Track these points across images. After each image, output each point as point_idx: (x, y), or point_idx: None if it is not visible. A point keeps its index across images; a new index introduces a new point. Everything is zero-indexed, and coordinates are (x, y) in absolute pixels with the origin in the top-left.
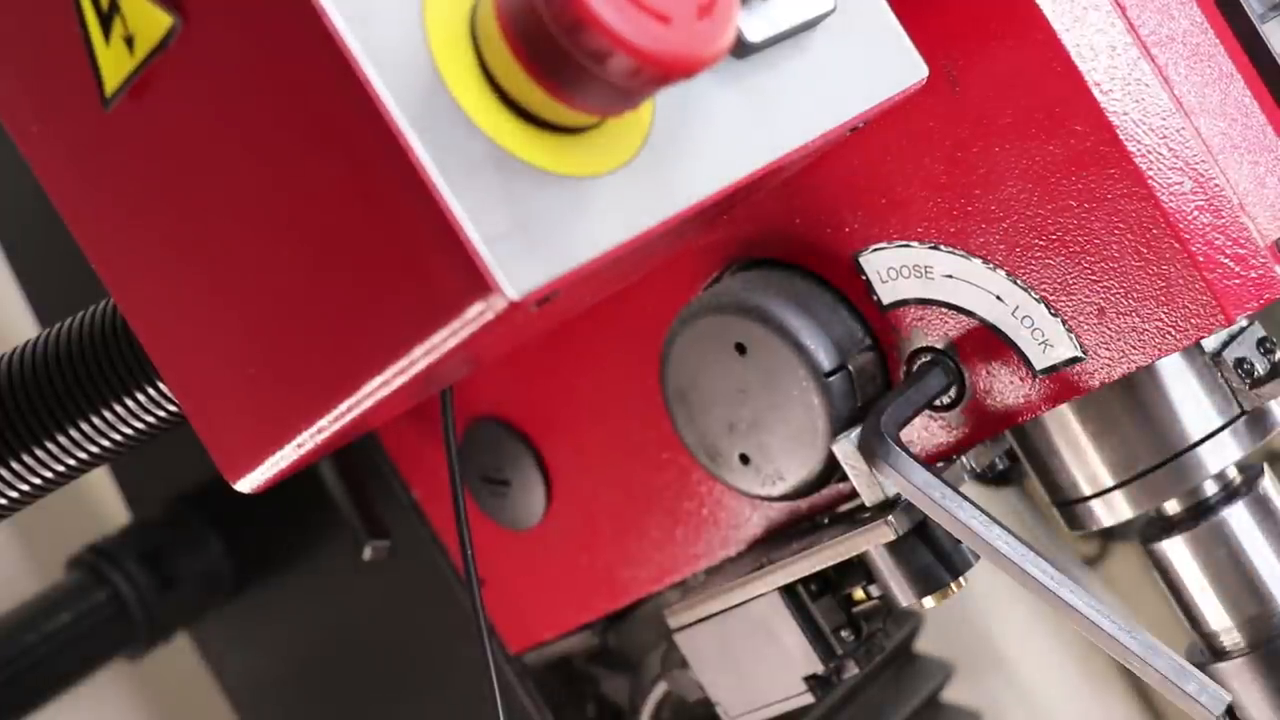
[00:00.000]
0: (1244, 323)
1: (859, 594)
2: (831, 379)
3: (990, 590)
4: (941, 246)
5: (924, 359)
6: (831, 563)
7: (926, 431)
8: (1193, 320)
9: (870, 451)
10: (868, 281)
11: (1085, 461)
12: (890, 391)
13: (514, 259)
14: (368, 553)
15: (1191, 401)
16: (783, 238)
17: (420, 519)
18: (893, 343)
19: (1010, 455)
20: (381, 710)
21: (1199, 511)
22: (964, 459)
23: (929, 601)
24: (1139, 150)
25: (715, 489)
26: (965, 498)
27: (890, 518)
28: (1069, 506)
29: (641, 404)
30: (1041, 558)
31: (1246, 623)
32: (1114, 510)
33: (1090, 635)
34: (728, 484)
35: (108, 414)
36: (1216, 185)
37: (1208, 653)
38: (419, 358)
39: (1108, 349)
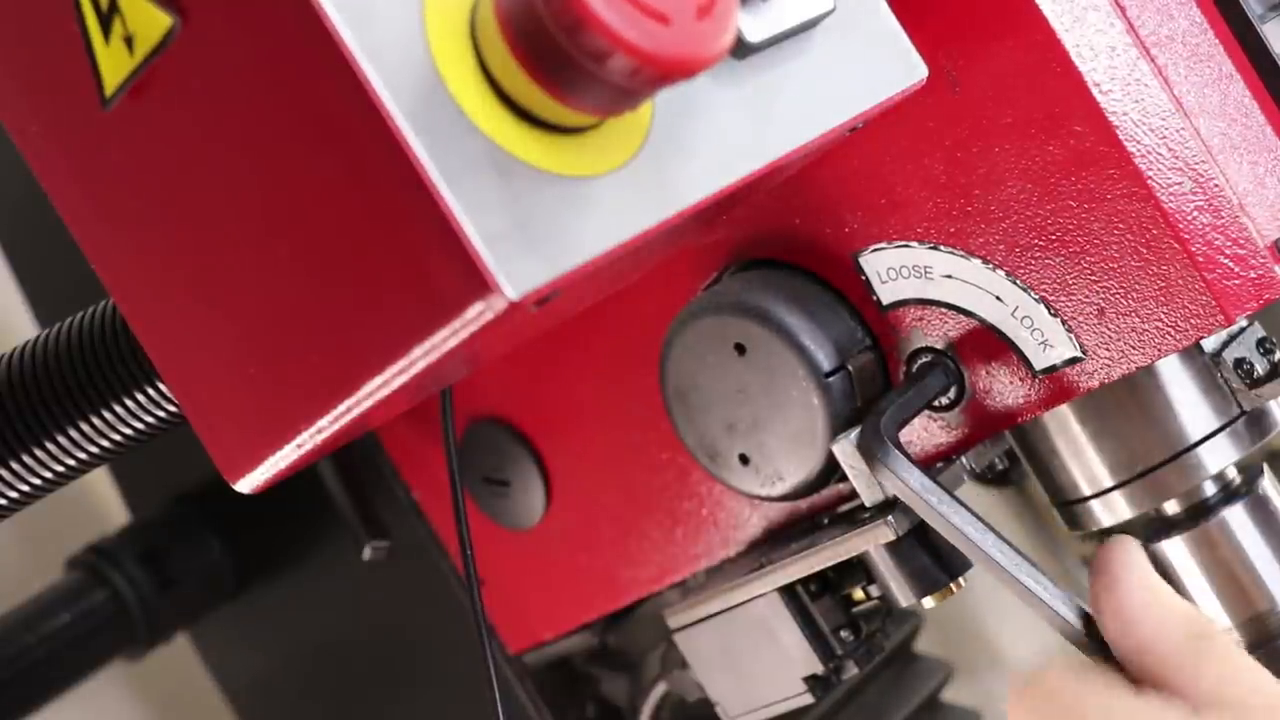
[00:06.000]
0: (1244, 323)
1: (859, 594)
2: (831, 379)
3: (990, 590)
4: (941, 246)
5: (923, 359)
6: (831, 563)
7: (926, 432)
8: (1192, 320)
9: (869, 453)
10: (867, 281)
11: (1085, 461)
12: (890, 392)
13: (514, 259)
14: (368, 553)
15: (1191, 402)
16: (783, 238)
17: (420, 519)
18: (892, 343)
19: (1010, 455)
20: (381, 710)
21: (1199, 512)
22: (964, 459)
23: (929, 601)
24: (1139, 150)
25: (715, 489)
26: (961, 502)
27: (890, 518)
28: (1069, 506)
29: (641, 404)
30: (1035, 567)
31: (1246, 623)
32: (1114, 510)
33: (1077, 646)
34: (727, 484)
35: (108, 414)
36: (1216, 185)
37: None
38: (419, 358)
39: (1107, 349)
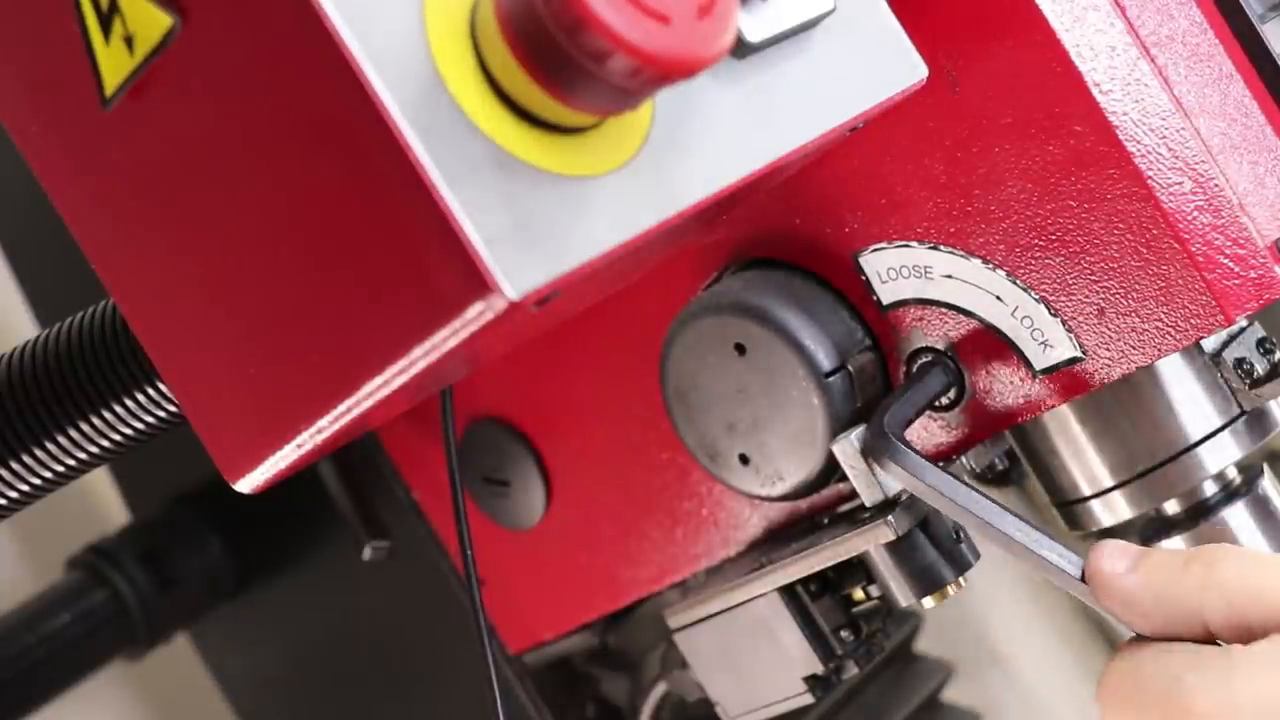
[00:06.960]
0: (1244, 323)
1: (859, 594)
2: (831, 379)
3: (990, 590)
4: (941, 246)
5: (924, 359)
6: (831, 563)
7: (926, 432)
8: (1192, 320)
9: (876, 452)
10: (867, 281)
11: (1085, 461)
12: (891, 393)
13: (514, 259)
14: (368, 553)
15: (1191, 402)
16: (783, 238)
17: (420, 519)
18: (893, 343)
19: (1010, 455)
20: (382, 710)
21: (1199, 511)
22: (964, 459)
23: (929, 601)
24: (1139, 150)
25: (715, 489)
26: (977, 489)
27: (890, 518)
28: (1069, 506)
29: (641, 404)
30: (1059, 543)
31: None
32: (1114, 510)
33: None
34: (727, 484)
35: (108, 414)
36: (1216, 185)
37: None
38: (419, 358)
39: (1107, 349)
